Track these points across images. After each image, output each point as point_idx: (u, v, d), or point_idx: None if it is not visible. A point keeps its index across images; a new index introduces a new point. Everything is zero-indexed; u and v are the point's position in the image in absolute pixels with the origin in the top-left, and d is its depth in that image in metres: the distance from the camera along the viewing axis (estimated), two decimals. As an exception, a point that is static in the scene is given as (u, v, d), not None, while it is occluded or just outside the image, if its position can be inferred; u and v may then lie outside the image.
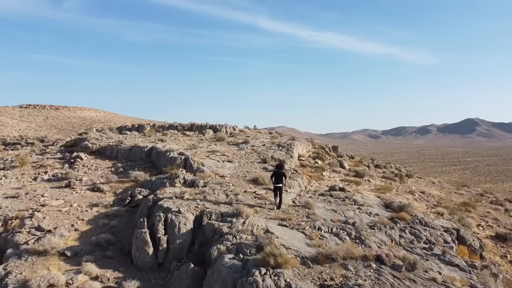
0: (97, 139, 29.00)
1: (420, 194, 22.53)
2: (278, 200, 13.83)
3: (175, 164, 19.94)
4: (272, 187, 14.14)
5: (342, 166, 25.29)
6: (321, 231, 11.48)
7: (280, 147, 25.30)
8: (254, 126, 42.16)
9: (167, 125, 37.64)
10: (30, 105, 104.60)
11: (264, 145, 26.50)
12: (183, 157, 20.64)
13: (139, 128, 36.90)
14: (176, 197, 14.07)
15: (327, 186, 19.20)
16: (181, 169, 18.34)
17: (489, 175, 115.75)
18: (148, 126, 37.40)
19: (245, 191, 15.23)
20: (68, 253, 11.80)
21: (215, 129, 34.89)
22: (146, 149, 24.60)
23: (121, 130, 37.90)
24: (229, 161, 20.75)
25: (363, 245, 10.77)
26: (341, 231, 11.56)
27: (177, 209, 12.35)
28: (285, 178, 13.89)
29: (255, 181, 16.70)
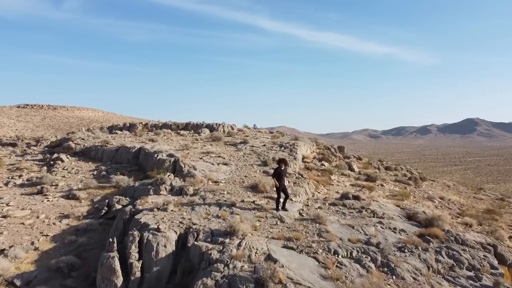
0: (82, 139, 26.56)
1: (440, 200, 20.03)
2: (284, 204, 12.07)
3: (163, 167, 17.50)
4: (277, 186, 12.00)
5: (351, 168, 22.81)
6: (337, 256, 8.99)
7: (283, 148, 22.82)
8: (254, 125, 39.71)
9: (160, 124, 35.17)
10: (27, 105, 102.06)
11: (264, 145, 24.02)
12: (172, 159, 18.18)
13: (131, 127, 34.46)
14: (158, 208, 11.59)
15: (337, 192, 16.73)
16: (168, 174, 15.87)
17: (491, 175, 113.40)
18: (140, 125, 34.96)
19: (242, 201, 12.75)
20: (18, 282, 9.36)
21: (212, 128, 32.46)
22: (133, 150, 22.15)
23: (111, 129, 35.47)
24: (225, 164, 18.29)
25: (394, 276, 8.29)
26: (364, 256, 9.07)
27: (156, 226, 9.86)
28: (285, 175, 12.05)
29: (254, 188, 14.23)
